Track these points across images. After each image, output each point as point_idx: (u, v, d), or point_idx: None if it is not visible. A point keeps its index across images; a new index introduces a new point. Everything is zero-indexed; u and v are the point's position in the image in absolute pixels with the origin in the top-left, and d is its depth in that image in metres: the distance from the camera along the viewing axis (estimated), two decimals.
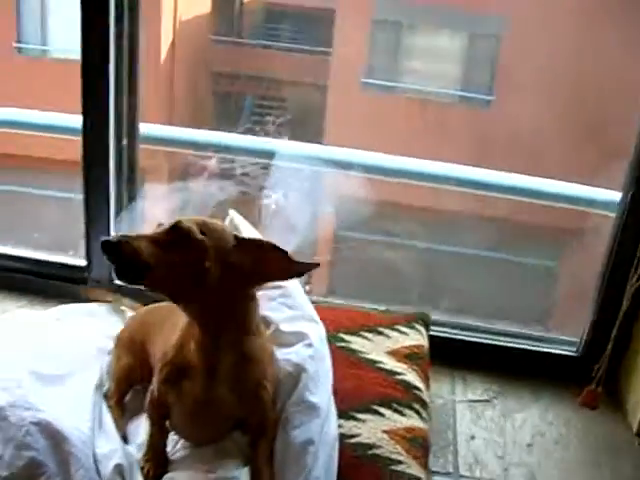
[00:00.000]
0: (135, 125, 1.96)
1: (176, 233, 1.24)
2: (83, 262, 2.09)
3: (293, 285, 1.63)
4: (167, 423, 1.47)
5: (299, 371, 1.46)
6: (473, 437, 1.74)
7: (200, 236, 1.25)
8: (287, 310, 1.57)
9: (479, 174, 2.21)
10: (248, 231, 1.65)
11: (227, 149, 2.30)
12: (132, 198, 2.06)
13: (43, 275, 2.10)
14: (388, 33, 6.55)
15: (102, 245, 1.21)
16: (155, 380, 1.44)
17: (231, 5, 7.41)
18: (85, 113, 1.93)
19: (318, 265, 1.34)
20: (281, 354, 1.48)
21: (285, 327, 1.54)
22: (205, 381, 1.35)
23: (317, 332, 1.55)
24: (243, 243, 1.31)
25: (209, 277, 1.26)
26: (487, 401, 1.86)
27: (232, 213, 1.69)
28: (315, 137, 5.27)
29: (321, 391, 1.46)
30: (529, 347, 1.99)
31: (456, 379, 1.93)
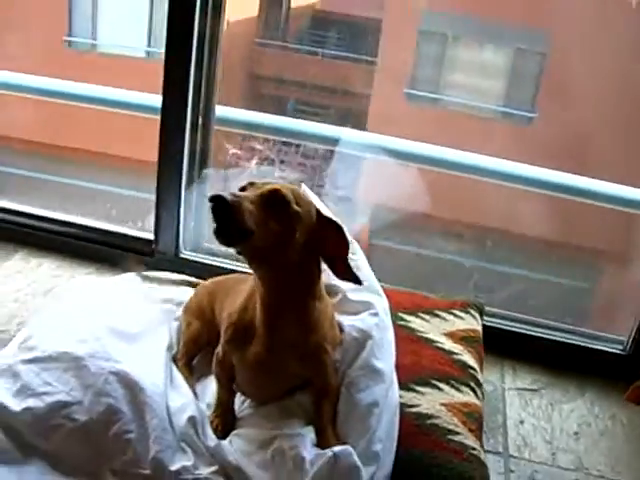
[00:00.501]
0: (211, 106, 2.03)
1: (276, 200, 1.29)
2: (151, 235, 2.16)
3: (362, 259, 1.70)
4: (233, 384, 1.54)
5: (365, 337, 1.53)
6: (522, 422, 1.80)
7: (296, 207, 1.31)
8: None
9: (534, 171, 2.26)
10: (319, 205, 1.73)
11: (295, 134, 2.38)
12: (201, 181, 2.14)
13: (112, 245, 2.18)
14: (434, 45, 6.59)
15: (212, 200, 1.20)
16: (221, 341, 1.51)
17: (278, 10, 7.50)
18: (165, 92, 2.01)
19: (360, 282, 1.43)
20: (347, 320, 1.55)
21: (352, 296, 1.62)
22: (267, 342, 1.41)
23: (382, 304, 1.63)
24: (323, 219, 1.38)
25: (294, 245, 1.33)
26: (535, 390, 1.92)
27: (304, 187, 1.76)
28: None
29: (386, 358, 1.53)
30: (578, 343, 2.04)
31: (505, 368, 1.99)
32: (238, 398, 1.58)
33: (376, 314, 1.58)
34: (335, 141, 2.24)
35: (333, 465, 1.31)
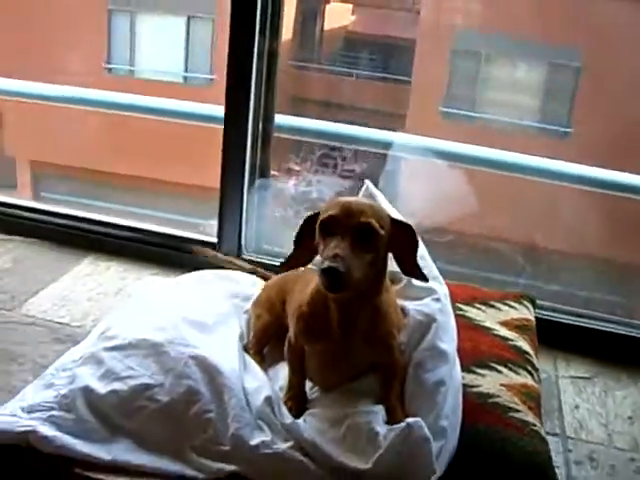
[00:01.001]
0: (271, 115, 2.15)
1: (365, 233, 1.36)
2: (214, 239, 2.27)
3: (422, 247, 1.79)
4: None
5: (430, 321, 1.61)
6: (577, 407, 1.86)
7: (382, 231, 1.38)
8: None
9: (579, 169, 2.34)
10: (382, 201, 1.83)
11: (352, 140, 2.49)
12: (263, 184, 2.24)
13: (176, 249, 2.29)
14: (467, 63, 6.66)
15: (326, 272, 1.29)
16: (292, 330, 1.59)
17: (312, 32, 7.62)
18: (228, 102, 2.12)
19: (427, 280, 1.53)
20: (412, 305, 1.64)
21: (416, 282, 1.70)
22: (340, 336, 1.49)
23: (443, 290, 1.71)
24: (396, 224, 1.45)
25: (378, 260, 1.42)
26: (588, 378, 1.98)
27: (367, 183, 1.86)
28: None
29: (449, 340, 1.61)
30: (629, 333, 2.10)
31: (558, 359, 2.06)
32: (308, 383, 1.66)
33: (439, 299, 1.67)
34: (386, 145, 2.34)
35: (406, 436, 1.39)
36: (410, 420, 1.40)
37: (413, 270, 1.49)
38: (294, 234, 1.49)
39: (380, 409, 1.51)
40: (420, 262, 1.66)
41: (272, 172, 3.54)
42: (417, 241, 1.46)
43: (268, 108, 2.13)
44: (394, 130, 2.79)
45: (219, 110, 2.13)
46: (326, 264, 1.29)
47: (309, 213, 1.46)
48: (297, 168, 4.40)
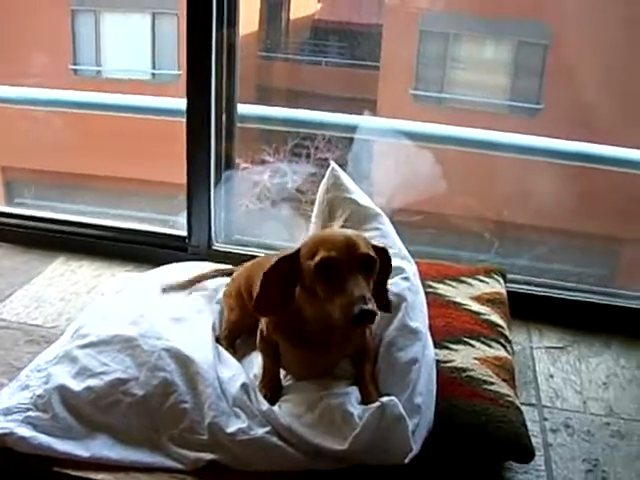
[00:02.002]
0: (233, 102, 2.14)
1: (368, 265, 1.39)
2: (184, 232, 2.27)
3: (389, 227, 1.80)
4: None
5: (400, 300, 1.62)
6: (552, 376, 1.88)
7: (376, 257, 1.41)
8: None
9: (547, 142, 2.36)
10: (347, 181, 1.84)
11: (311, 125, 2.49)
12: (229, 175, 2.24)
13: (147, 244, 2.29)
14: (435, 44, 6.65)
15: (363, 316, 1.31)
16: (265, 323, 1.60)
17: (279, 22, 7.59)
18: (189, 95, 2.12)
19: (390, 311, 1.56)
20: None
21: None
22: (319, 338, 1.51)
23: (411, 269, 1.73)
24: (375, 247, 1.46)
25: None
26: (562, 348, 2.00)
27: (333, 164, 1.87)
28: None
29: (419, 318, 1.63)
30: (600, 301, 2.12)
31: (531, 330, 2.07)
32: (282, 370, 1.67)
33: (407, 278, 1.68)
34: (353, 130, 2.35)
35: (381, 415, 1.40)
36: (384, 399, 1.42)
37: (381, 297, 1.50)
38: (262, 274, 1.47)
39: (354, 390, 1.53)
40: (387, 241, 1.68)
41: (245, 165, 3.55)
42: (390, 264, 1.49)
43: (230, 99, 2.12)
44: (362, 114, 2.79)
45: (183, 103, 2.12)
46: (360, 309, 1.31)
47: (282, 255, 1.46)
48: (270, 159, 4.39)
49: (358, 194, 1.85)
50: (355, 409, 1.46)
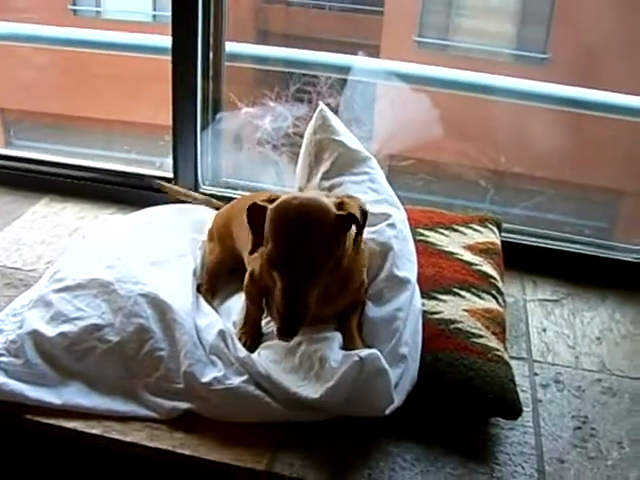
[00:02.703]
0: (221, 40, 2.05)
1: (312, 268, 1.31)
2: (170, 174, 2.20)
3: (379, 172, 1.73)
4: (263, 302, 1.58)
5: (386, 249, 1.56)
6: (545, 330, 1.82)
7: (329, 259, 1.33)
8: (372, 193, 1.67)
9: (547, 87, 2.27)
10: (336, 123, 1.76)
11: (306, 65, 2.40)
12: (215, 114, 2.16)
13: (132, 186, 2.22)
14: None
15: (283, 332, 1.31)
16: (257, 262, 1.51)
17: None
18: (174, 33, 2.03)
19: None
20: (366, 234, 1.57)
21: (370, 208, 1.63)
22: None
23: (399, 215, 1.66)
24: (340, 219, 1.34)
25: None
26: (556, 301, 1.94)
27: (321, 105, 1.79)
28: None
29: (407, 267, 1.56)
30: (596, 254, 2.05)
31: (525, 281, 2.01)
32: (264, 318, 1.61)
33: (393, 225, 1.61)
34: (347, 71, 2.26)
35: (360, 368, 1.35)
36: (364, 353, 1.36)
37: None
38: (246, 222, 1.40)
39: (336, 335, 1.47)
40: (376, 186, 1.61)
41: (246, 109, 3.45)
42: (363, 224, 1.37)
43: (217, 37, 2.02)
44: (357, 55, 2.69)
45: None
46: (278, 327, 1.29)
47: (255, 202, 1.38)
48: (272, 104, 4.30)
49: (347, 136, 1.77)
50: (334, 354, 1.41)
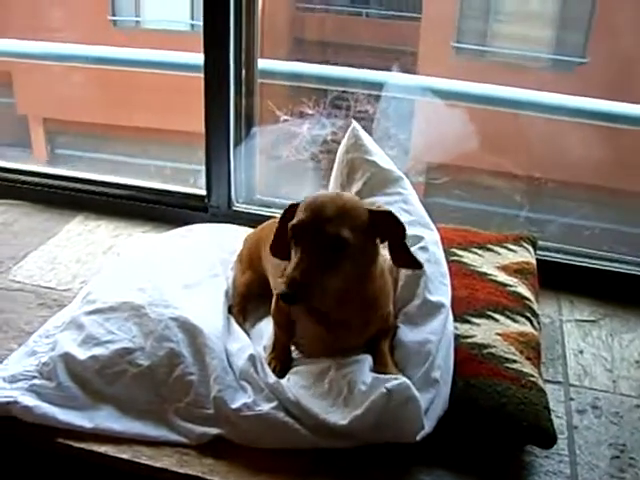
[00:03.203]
0: (253, 58, 2.05)
1: (334, 245, 1.30)
2: (203, 192, 2.20)
3: (412, 193, 1.71)
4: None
5: (419, 274, 1.54)
6: (582, 352, 1.78)
7: (352, 238, 1.31)
8: (405, 214, 1.65)
9: (585, 102, 2.23)
10: (368, 142, 1.74)
11: (339, 82, 2.39)
12: (249, 130, 2.16)
13: (166, 204, 2.23)
14: None
15: (282, 297, 1.27)
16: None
17: None
18: (206, 51, 2.03)
19: (421, 266, 1.43)
20: None
21: None
22: (329, 325, 1.44)
23: (432, 237, 1.63)
24: (374, 213, 1.36)
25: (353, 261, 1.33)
26: (594, 321, 1.90)
27: (354, 123, 1.78)
28: None
29: (440, 291, 1.54)
30: (636, 273, 2.00)
31: (562, 301, 1.97)
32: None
33: (426, 248, 1.59)
34: (382, 86, 2.25)
35: (388, 399, 1.33)
36: (390, 384, 1.34)
37: (403, 257, 1.40)
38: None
39: (367, 357, 1.46)
40: (409, 207, 1.59)
41: (285, 117, 3.46)
42: (401, 226, 1.36)
43: (250, 53, 2.02)
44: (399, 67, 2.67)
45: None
46: (282, 289, 1.26)
47: (292, 202, 1.40)
48: (310, 112, 4.31)
49: (379, 156, 1.75)
50: (364, 376, 1.39)
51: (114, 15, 6.58)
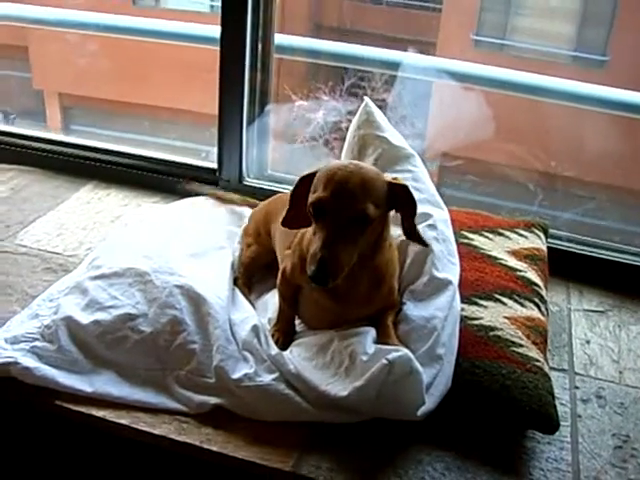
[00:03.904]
0: (270, 32, 2.03)
1: (358, 220, 1.28)
2: (214, 165, 2.18)
3: (422, 170, 1.69)
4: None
5: (426, 251, 1.52)
6: (588, 342, 1.76)
7: (376, 212, 1.30)
8: (415, 192, 1.62)
9: (603, 90, 2.20)
10: (380, 119, 1.72)
11: (357, 60, 2.37)
12: (263, 107, 2.14)
13: (177, 175, 2.21)
14: None
15: (314, 279, 1.25)
16: (289, 264, 1.50)
17: None
18: (223, 24, 2.01)
19: (426, 245, 1.42)
20: None
21: None
22: (338, 295, 1.42)
23: (441, 216, 1.62)
24: (391, 184, 1.34)
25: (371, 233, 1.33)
26: (602, 312, 1.88)
27: (366, 100, 1.76)
28: None
29: (448, 269, 1.53)
30: None
31: (571, 290, 1.95)
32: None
33: (434, 226, 1.58)
34: (398, 67, 2.22)
35: (389, 371, 1.32)
36: (391, 355, 1.32)
37: (412, 231, 1.39)
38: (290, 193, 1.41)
39: (370, 330, 1.44)
40: (419, 185, 1.58)
41: (300, 102, 3.43)
42: (413, 201, 1.35)
43: (267, 28, 2.00)
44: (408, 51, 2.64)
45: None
46: (313, 269, 1.23)
47: (304, 173, 1.38)
48: (325, 98, 4.29)
49: (391, 132, 1.73)
50: (366, 347, 1.37)
51: None
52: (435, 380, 1.37)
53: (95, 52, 3.84)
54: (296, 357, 1.42)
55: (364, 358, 1.33)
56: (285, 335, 1.51)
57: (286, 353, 1.44)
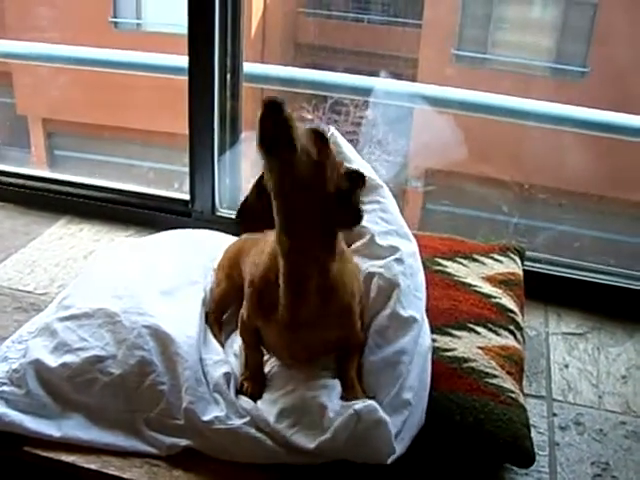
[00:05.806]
0: (239, 62, 2.01)
1: (317, 135, 1.25)
2: (187, 196, 2.16)
3: (391, 202, 1.67)
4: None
5: (392, 287, 1.50)
6: (567, 365, 1.75)
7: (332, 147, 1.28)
8: (383, 223, 1.62)
9: (582, 112, 2.20)
10: (347, 149, 1.71)
11: (326, 87, 2.35)
12: (234, 138, 2.12)
13: (149, 207, 2.19)
14: (479, 2, 6.43)
15: (268, 104, 1.13)
16: (244, 305, 1.48)
17: None
18: (190, 54, 2.00)
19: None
20: (372, 266, 1.54)
21: (379, 240, 1.59)
22: (291, 311, 1.36)
23: (410, 248, 1.59)
24: (349, 172, 1.31)
25: (325, 191, 1.26)
26: (580, 334, 1.87)
27: (332, 130, 1.74)
28: None
29: (414, 305, 1.50)
30: (624, 285, 1.96)
31: (549, 313, 1.94)
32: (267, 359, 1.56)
33: (401, 260, 1.55)
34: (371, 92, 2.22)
35: (356, 422, 1.30)
36: (358, 406, 1.31)
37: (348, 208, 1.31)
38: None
39: (336, 383, 1.42)
40: (387, 216, 1.56)
41: None
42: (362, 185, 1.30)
43: (235, 57, 1.99)
44: (404, 77, 2.64)
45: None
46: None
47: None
48: (310, 117, 4.31)
49: (358, 163, 1.71)
50: (333, 404, 1.35)
51: (115, 17, 6.56)
52: (405, 425, 1.34)
53: (76, 78, 3.83)
54: (265, 404, 1.41)
55: (331, 414, 1.32)
56: (254, 383, 1.48)
57: (258, 405, 1.42)
